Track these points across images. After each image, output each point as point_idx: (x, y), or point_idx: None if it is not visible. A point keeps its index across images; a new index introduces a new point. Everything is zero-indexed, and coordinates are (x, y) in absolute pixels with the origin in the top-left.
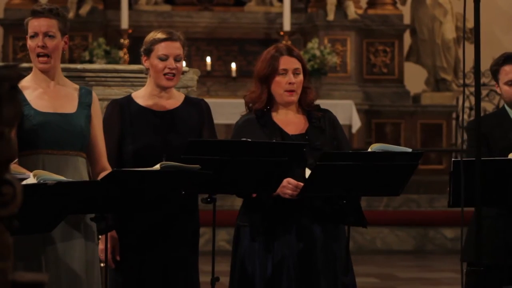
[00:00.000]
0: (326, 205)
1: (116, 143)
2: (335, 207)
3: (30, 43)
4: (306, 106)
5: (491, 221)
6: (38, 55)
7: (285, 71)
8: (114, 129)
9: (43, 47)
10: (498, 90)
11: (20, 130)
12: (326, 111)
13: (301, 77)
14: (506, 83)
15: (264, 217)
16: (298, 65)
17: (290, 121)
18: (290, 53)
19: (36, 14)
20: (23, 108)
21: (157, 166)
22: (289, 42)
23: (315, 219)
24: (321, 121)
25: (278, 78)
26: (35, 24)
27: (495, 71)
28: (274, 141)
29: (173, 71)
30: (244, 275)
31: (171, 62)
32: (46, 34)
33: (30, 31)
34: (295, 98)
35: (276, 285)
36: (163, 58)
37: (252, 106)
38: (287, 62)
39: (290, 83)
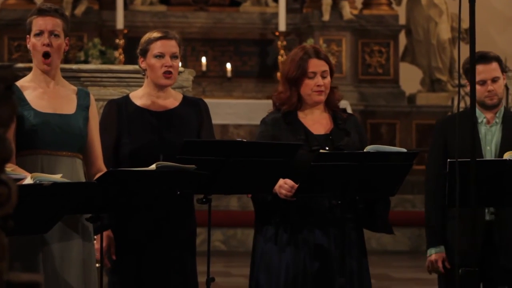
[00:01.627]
0: (347, 209)
1: (113, 142)
2: (358, 212)
3: (34, 41)
4: (332, 106)
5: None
6: (44, 55)
7: (314, 74)
8: (111, 129)
9: (49, 45)
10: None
11: (20, 130)
12: (351, 115)
13: (328, 78)
14: (478, 83)
15: (273, 215)
16: (326, 67)
17: (315, 120)
18: (318, 55)
19: (42, 12)
20: (18, 109)
21: (153, 166)
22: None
23: (332, 221)
24: (346, 123)
25: (307, 81)
26: (40, 23)
27: (467, 70)
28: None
29: (170, 69)
30: (265, 272)
31: (167, 60)
32: (51, 33)
33: (35, 29)
34: (323, 97)
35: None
36: (160, 56)
37: (279, 106)
38: (316, 65)
39: (318, 85)
